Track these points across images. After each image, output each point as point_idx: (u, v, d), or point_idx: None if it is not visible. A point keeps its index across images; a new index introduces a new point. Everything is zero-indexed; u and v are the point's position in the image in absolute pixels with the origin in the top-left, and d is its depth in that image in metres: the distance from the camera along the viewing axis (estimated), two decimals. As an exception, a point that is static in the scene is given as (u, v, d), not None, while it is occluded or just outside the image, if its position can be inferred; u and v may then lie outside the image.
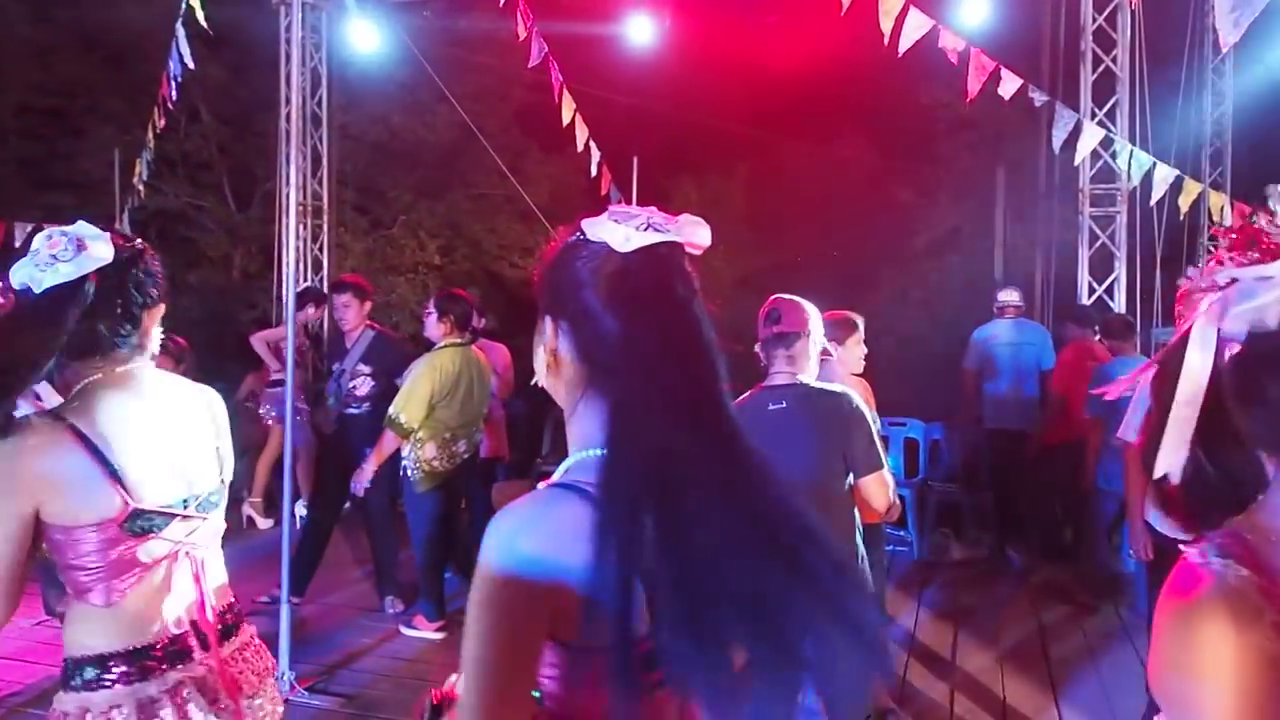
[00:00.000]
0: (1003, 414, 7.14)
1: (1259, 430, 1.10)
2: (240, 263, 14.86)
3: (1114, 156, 7.10)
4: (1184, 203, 7.10)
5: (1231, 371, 1.11)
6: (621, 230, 1.29)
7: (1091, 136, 6.88)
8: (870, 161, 17.19)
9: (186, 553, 1.93)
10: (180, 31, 8.68)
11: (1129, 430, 3.41)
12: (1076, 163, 7.28)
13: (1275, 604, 0.98)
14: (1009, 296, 7.47)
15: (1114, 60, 7.23)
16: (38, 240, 1.82)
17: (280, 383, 7.37)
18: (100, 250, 1.80)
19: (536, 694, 1.19)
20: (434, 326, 5.39)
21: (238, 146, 15.08)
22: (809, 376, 3.25)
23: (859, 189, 17.77)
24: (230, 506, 2.18)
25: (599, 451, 1.21)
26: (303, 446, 6.84)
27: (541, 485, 1.26)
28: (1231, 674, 0.98)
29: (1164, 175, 6.94)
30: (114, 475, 1.79)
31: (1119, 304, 7.26)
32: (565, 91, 8.16)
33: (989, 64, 6.41)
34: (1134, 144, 7.11)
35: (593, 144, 8.44)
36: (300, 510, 6.89)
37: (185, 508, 1.92)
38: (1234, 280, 1.10)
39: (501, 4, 7.55)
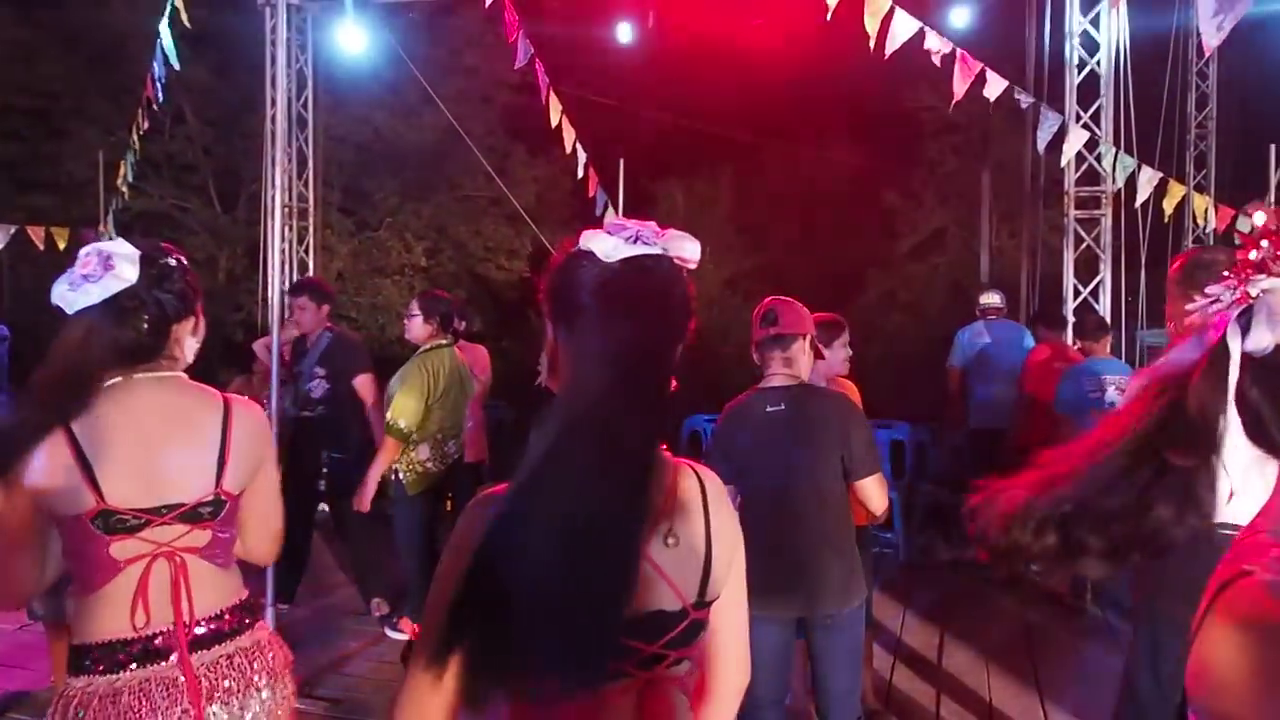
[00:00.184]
0: (986, 415, 7.18)
1: None
2: (225, 265, 14.80)
3: (1098, 159, 7.13)
4: (1168, 205, 7.13)
5: (1266, 381, 1.08)
6: (611, 242, 1.35)
7: (1076, 139, 6.91)
8: (856, 164, 17.24)
9: (169, 557, 1.96)
10: (165, 32, 8.63)
11: None
12: (1061, 165, 7.31)
13: None
14: (990, 299, 7.54)
15: (1098, 63, 7.26)
16: (82, 253, 1.94)
17: (286, 383, 7.35)
18: (126, 272, 1.91)
19: None
20: (420, 328, 5.33)
21: (222, 148, 15.02)
22: (804, 378, 3.26)
23: (845, 191, 17.82)
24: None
25: None
26: None
27: None
28: None
29: (1148, 178, 6.97)
30: (88, 473, 1.87)
31: (1104, 306, 7.29)
32: (552, 93, 8.14)
33: (974, 66, 6.43)
34: (1118, 147, 7.15)
35: (579, 146, 8.42)
36: None
37: (163, 515, 1.95)
38: (1265, 291, 1.07)
39: (487, 4, 7.53)
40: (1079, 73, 7.29)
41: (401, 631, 5.39)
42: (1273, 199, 7.02)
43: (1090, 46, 7.30)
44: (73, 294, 1.90)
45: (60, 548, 1.96)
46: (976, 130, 14.93)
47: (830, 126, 17.75)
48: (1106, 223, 7.36)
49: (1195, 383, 1.05)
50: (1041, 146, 7.06)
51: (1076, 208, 7.41)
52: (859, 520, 4.13)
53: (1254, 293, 1.04)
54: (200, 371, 2.12)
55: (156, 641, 1.95)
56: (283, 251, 8.79)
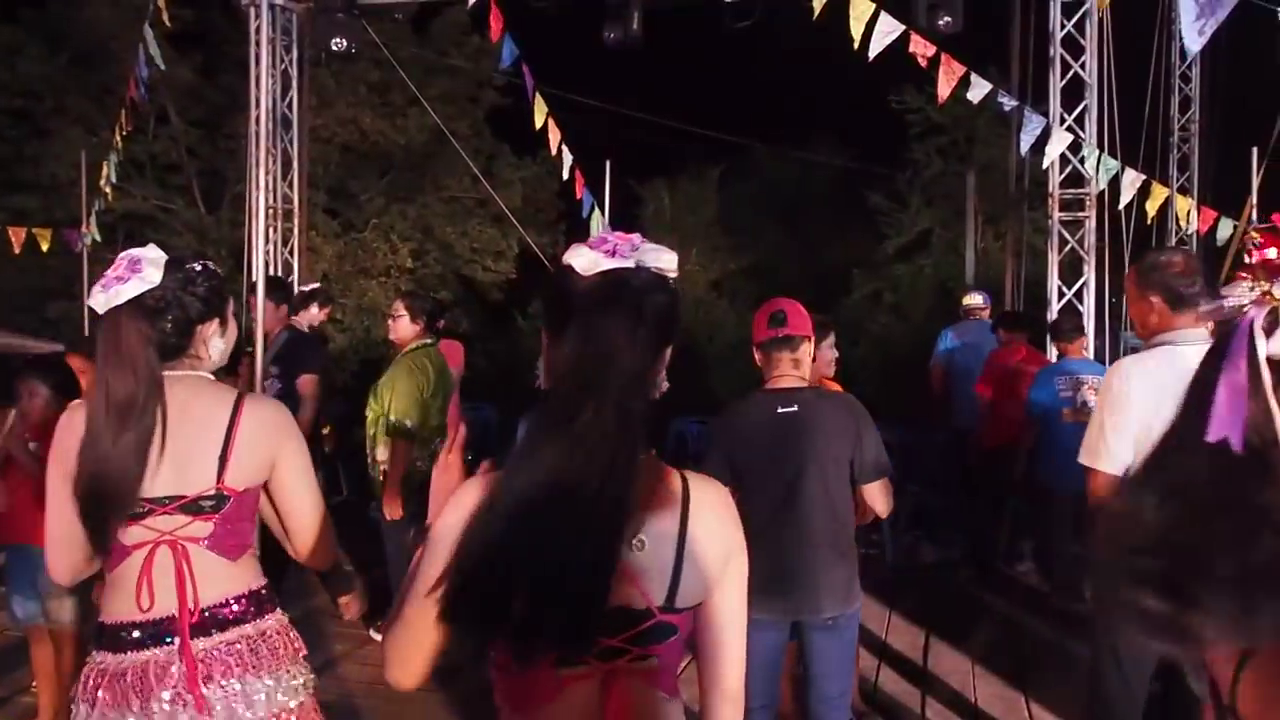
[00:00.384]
0: (968, 416, 7.20)
1: None
2: (210, 266, 14.71)
3: (1082, 161, 7.17)
4: (1151, 207, 7.18)
5: None
6: (590, 257, 1.45)
7: (1059, 141, 6.95)
8: (842, 165, 17.27)
9: (171, 545, 2.07)
10: (148, 33, 8.59)
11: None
12: (1044, 167, 7.35)
13: None
14: (973, 299, 7.59)
15: (1082, 66, 7.29)
16: (117, 259, 2.09)
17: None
18: (152, 274, 2.04)
19: None
20: (406, 328, 5.31)
21: (206, 149, 14.95)
22: (808, 380, 3.27)
23: (831, 193, 17.85)
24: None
25: None
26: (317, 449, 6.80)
27: None
28: None
29: (1131, 180, 7.01)
30: None
31: (1088, 307, 7.33)
32: (538, 94, 8.13)
33: (959, 68, 6.46)
34: (1102, 149, 7.19)
35: (565, 147, 8.41)
36: None
37: (165, 505, 2.06)
38: None
39: (470, 4, 7.52)
40: (1063, 75, 7.32)
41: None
42: (1255, 201, 7.06)
43: (1074, 49, 7.33)
44: (104, 295, 2.03)
45: None
46: (962, 133, 14.99)
47: (816, 128, 17.81)
48: (1090, 224, 7.40)
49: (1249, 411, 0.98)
50: (1025, 148, 7.10)
51: (1060, 210, 7.45)
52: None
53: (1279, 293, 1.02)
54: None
55: (161, 626, 2.06)
56: (267, 253, 8.74)
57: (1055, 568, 6.38)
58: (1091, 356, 6.80)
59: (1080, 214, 7.42)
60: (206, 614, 2.10)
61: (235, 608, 2.14)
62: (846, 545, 3.23)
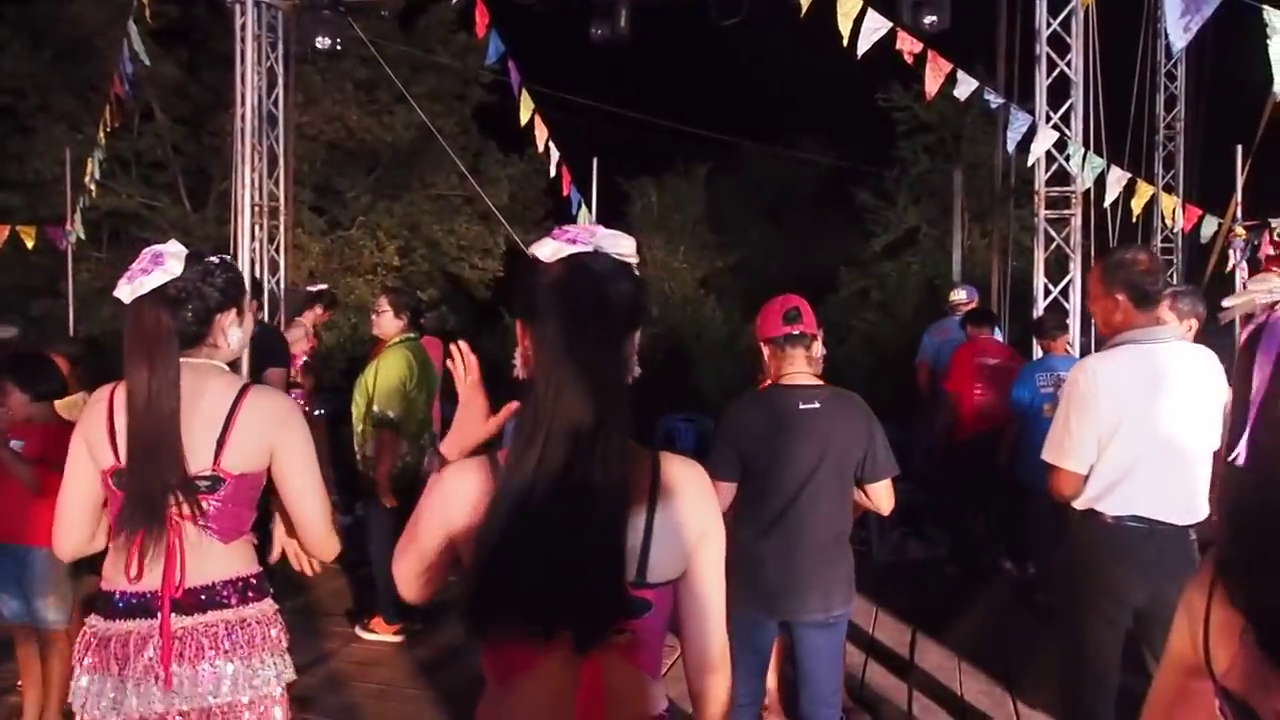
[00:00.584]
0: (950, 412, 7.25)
1: None
2: (195, 264, 14.65)
3: (1068, 159, 7.19)
4: (1136, 205, 7.21)
5: None
6: (551, 246, 1.53)
7: (1045, 139, 6.97)
8: (829, 163, 17.30)
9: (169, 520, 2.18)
10: (133, 29, 8.54)
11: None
12: (1030, 164, 7.37)
13: None
14: (957, 295, 7.63)
15: (1068, 64, 7.32)
16: (141, 254, 2.23)
17: (297, 385, 7.29)
18: (174, 266, 2.18)
19: None
20: (390, 323, 5.34)
21: (192, 146, 14.88)
22: None
23: (818, 190, 17.88)
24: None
25: None
26: (320, 448, 6.78)
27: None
28: None
29: (1117, 178, 7.04)
30: (112, 436, 2.18)
31: (1074, 304, 7.35)
32: (524, 91, 8.11)
33: (945, 66, 6.47)
34: (1088, 147, 7.21)
35: (552, 145, 8.40)
36: None
37: None
38: None
39: (456, 1, 7.50)
40: (1049, 73, 7.35)
41: (373, 631, 5.35)
42: (1239, 199, 7.10)
43: (1060, 47, 7.36)
44: (129, 286, 2.17)
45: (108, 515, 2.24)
46: (949, 130, 15.03)
47: (803, 125, 17.84)
48: (1076, 222, 7.42)
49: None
50: (1011, 146, 7.12)
51: (1046, 207, 7.47)
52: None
53: None
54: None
55: (147, 599, 2.18)
56: (253, 250, 8.70)
57: (1036, 563, 6.43)
58: (1077, 353, 6.84)
59: (1066, 212, 7.44)
60: (190, 593, 2.19)
61: (222, 591, 2.23)
62: (846, 542, 3.26)
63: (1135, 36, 8.90)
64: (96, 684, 2.18)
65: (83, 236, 10.05)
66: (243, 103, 8.66)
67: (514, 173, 16.11)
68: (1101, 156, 7.22)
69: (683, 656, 1.64)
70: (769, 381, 3.26)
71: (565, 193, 8.83)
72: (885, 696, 4.69)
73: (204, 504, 2.19)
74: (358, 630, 5.40)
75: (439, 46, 15.00)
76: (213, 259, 2.30)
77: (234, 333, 2.33)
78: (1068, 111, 7.32)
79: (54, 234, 9.77)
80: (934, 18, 6.81)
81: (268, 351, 5.96)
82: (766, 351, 3.24)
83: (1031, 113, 7.16)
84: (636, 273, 1.57)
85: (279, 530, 2.47)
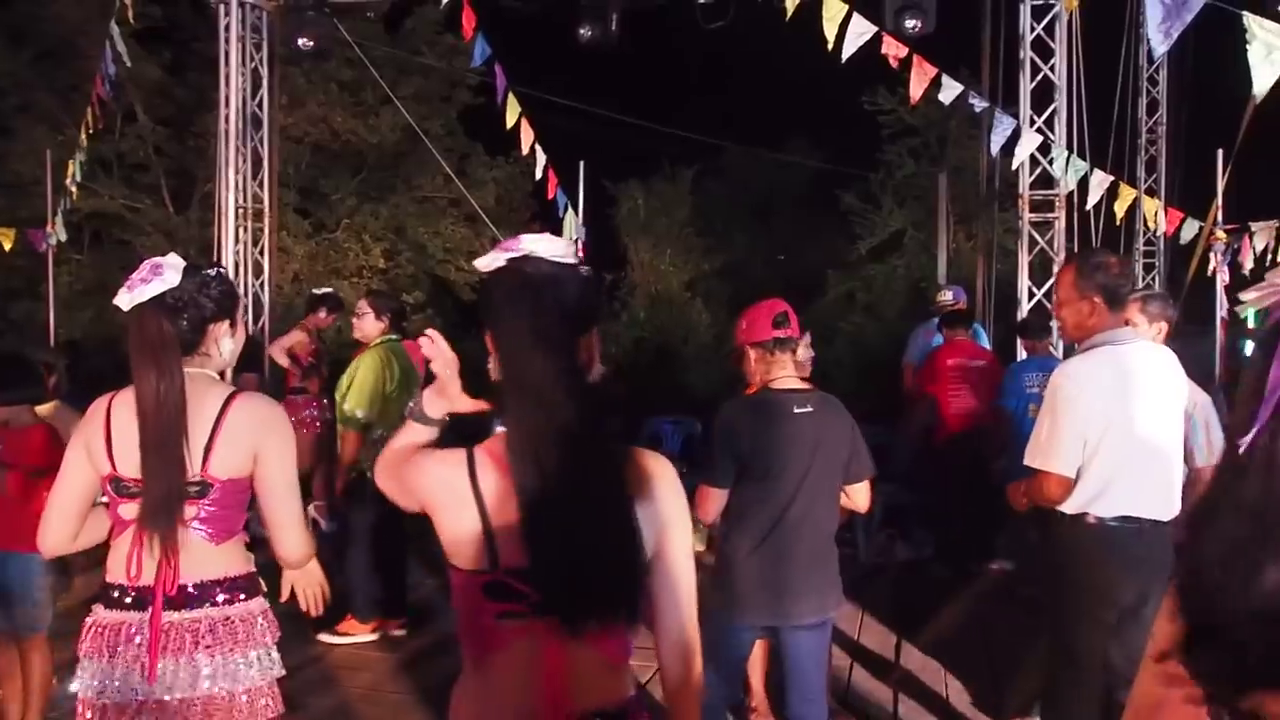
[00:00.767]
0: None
1: None
2: (179, 266, 14.57)
3: (1051, 163, 7.23)
4: (1119, 208, 7.25)
5: None
6: (490, 256, 1.65)
7: (1029, 142, 7.00)
8: (815, 166, 17.34)
9: None
10: (115, 29, 8.49)
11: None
12: (1014, 168, 7.41)
13: None
14: (944, 297, 7.66)
15: (1052, 69, 7.36)
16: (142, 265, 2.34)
17: (302, 390, 7.25)
18: (171, 277, 2.28)
19: None
20: (372, 325, 5.32)
21: (175, 147, 14.80)
22: None
23: (804, 193, 17.92)
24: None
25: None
26: (324, 452, 6.78)
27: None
28: None
29: (1099, 181, 7.08)
30: (109, 444, 2.29)
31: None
32: (510, 94, 8.10)
33: (930, 70, 6.50)
34: (1071, 150, 7.25)
35: (538, 147, 8.39)
36: (311, 514, 6.94)
37: None
38: None
39: (442, 3, 7.49)
40: (1033, 78, 7.38)
41: (346, 634, 5.25)
42: (1220, 203, 7.15)
43: (1044, 51, 7.40)
44: (129, 295, 2.27)
45: (98, 519, 2.38)
46: (934, 134, 15.10)
47: (789, 129, 17.87)
48: (1060, 225, 7.46)
49: None
50: (995, 150, 7.15)
51: (1030, 210, 7.51)
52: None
53: None
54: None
55: (143, 593, 2.29)
56: (237, 253, 8.67)
57: (1021, 560, 6.48)
58: (1060, 355, 6.89)
59: (1050, 215, 7.48)
60: (182, 590, 2.29)
61: (213, 590, 2.33)
62: (834, 543, 3.29)
63: (1118, 41, 8.95)
64: (89, 668, 2.31)
65: (63, 239, 9.98)
66: (227, 104, 8.62)
67: (500, 175, 16.08)
68: (1085, 160, 7.26)
69: (655, 642, 1.70)
70: (756, 385, 3.26)
71: (551, 195, 8.82)
72: (871, 698, 4.70)
73: (195, 508, 2.29)
74: (323, 637, 5.20)
75: (425, 48, 14.97)
76: (209, 271, 2.40)
77: (226, 343, 2.43)
78: (1051, 115, 7.36)
79: (34, 236, 9.70)
80: (919, 22, 6.84)
81: (243, 356, 5.91)
82: (753, 355, 3.23)
83: (1015, 117, 7.20)
84: (583, 272, 1.64)
85: (287, 571, 2.60)
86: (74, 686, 2.36)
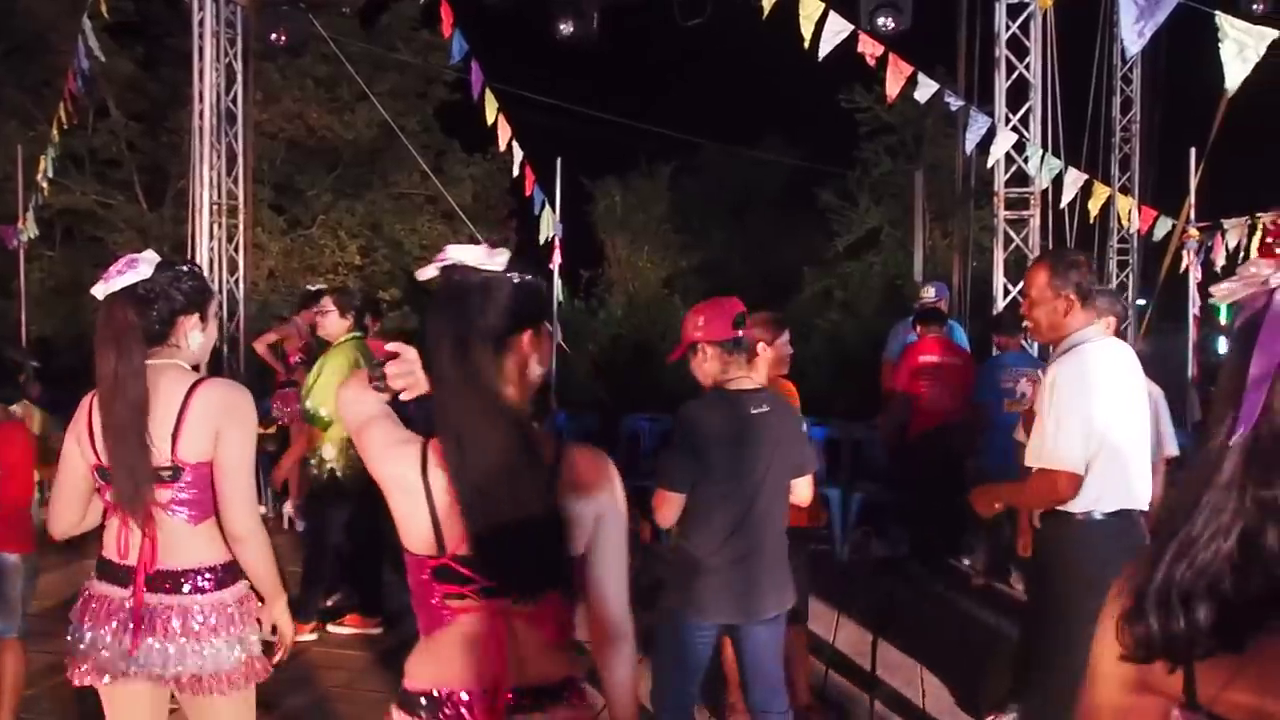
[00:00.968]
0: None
1: None
2: (152, 263, 14.44)
3: (1026, 161, 7.28)
4: (1093, 206, 7.31)
5: None
6: (430, 268, 1.76)
7: (1004, 140, 7.04)
8: (792, 164, 17.37)
9: None
10: (87, 24, 8.41)
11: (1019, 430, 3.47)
12: (989, 166, 7.45)
13: None
14: (926, 293, 7.70)
15: (1027, 67, 7.40)
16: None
17: (292, 384, 7.22)
18: (144, 270, 2.41)
19: None
20: (335, 323, 5.26)
21: (148, 143, 14.67)
22: None
23: (781, 191, 17.95)
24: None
25: None
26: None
27: None
28: None
29: (1074, 179, 7.13)
30: (92, 435, 2.43)
31: (1033, 305, 7.43)
32: (488, 90, 8.07)
33: (906, 68, 6.52)
34: (1046, 149, 7.30)
35: (515, 144, 8.36)
36: (288, 511, 7.11)
37: None
38: None
39: (420, 0, 7.45)
40: (1008, 76, 7.43)
41: (350, 627, 5.34)
42: (1193, 201, 7.22)
43: (1019, 50, 7.44)
44: (104, 285, 2.40)
45: (97, 503, 2.54)
46: (910, 132, 15.15)
47: (765, 126, 17.91)
48: (1035, 223, 7.51)
49: (1274, 394, 0.96)
50: (970, 147, 7.19)
51: (1005, 208, 7.56)
52: (800, 521, 4.16)
53: None
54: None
55: (128, 572, 2.46)
56: (212, 249, 8.60)
57: (992, 552, 6.55)
58: (1035, 351, 6.95)
59: (1025, 212, 7.53)
60: (163, 574, 2.45)
61: (192, 577, 2.47)
62: (785, 538, 3.32)
63: (1092, 41, 9.03)
64: (79, 632, 2.48)
65: (35, 235, 9.87)
66: (201, 100, 8.55)
67: (477, 172, 16.02)
68: (1059, 158, 7.31)
69: (590, 628, 1.80)
70: (709, 385, 3.23)
71: (528, 192, 8.80)
72: (848, 695, 4.72)
73: (169, 491, 2.43)
74: (329, 627, 5.37)
75: (401, 44, 14.89)
76: (182, 266, 2.53)
77: (195, 336, 2.54)
78: (1026, 114, 7.41)
79: (5, 232, 9.59)
80: (894, 20, 6.87)
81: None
82: (711, 353, 3.19)
83: (991, 115, 7.24)
84: (511, 277, 1.72)
85: (265, 611, 2.63)
86: (71, 649, 2.51)
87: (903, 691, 4.75)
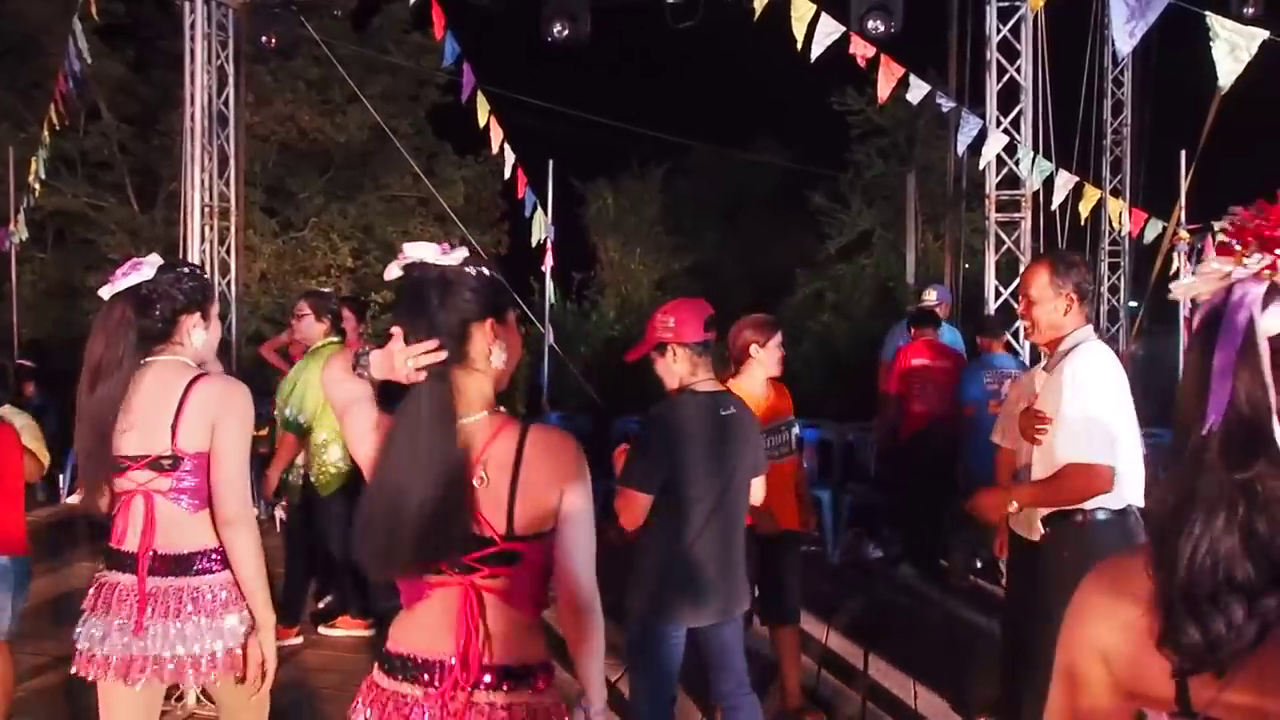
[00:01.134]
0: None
1: None
2: (143, 265, 14.41)
3: (1017, 163, 7.30)
4: (1084, 208, 7.33)
5: None
6: (392, 268, 1.88)
7: (995, 142, 7.06)
8: (784, 166, 17.40)
9: (143, 494, 2.56)
10: (78, 26, 8.39)
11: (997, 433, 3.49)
12: (981, 167, 7.47)
13: None
14: (928, 296, 7.71)
15: (1018, 70, 7.42)
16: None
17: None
18: (146, 272, 2.55)
19: None
20: (312, 327, 5.21)
21: (140, 145, 14.63)
22: None
23: (773, 193, 17.98)
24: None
25: None
26: None
27: None
28: None
29: (1064, 181, 7.15)
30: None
31: (1024, 307, 7.45)
32: (479, 93, 8.07)
33: (898, 70, 6.54)
34: (1037, 151, 7.32)
35: (507, 146, 8.36)
36: (280, 514, 6.94)
37: (137, 461, 2.56)
38: None
39: (411, 1, 7.45)
40: (999, 78, 7.44)
41: (340, 629, 5.34)
42: (1184, 203, 7.24)
43: (1010, 53, 7.46)
44: (109, 287, 2.55)
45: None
46: (902, 134, 15.19)
47: (758, 129, 17.93)
48: (1026, 225, 7.52)
49: (1239, 382, 0.99)
50: (961, 149, 7.20)
51: (997, 210, 7.57)
52: (791, 525, 4.16)
53: None
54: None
55: (131, 558, 2.56)
56: (203, 252, 8.58)
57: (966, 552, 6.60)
58: (1027, 353, 6.98)
59: (1016, 215, 7.55)
60: (165, 558, 2.56)
61: (193, 560, 2.58)
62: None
63: (1083, 43, 9.05)
64: (91, 621, 2.57)
65: (26, 237, 9.85)
66: (192, 102, 8.54)
67: (469, 174, 16.02)
68: (1050, 161, 7.33)
69: (557, 603, 1.88)
70: (678, 386, 3.20)
71: (520, 195, 8.80)
72: (840, 697, 4.72)
73: (170, 479, 2.55)
74: (320, 629, 5.38)
75: (392, 46, 14.88)
76: (184, 268, 2.67)
77: (197, 334, 2.66)
78: (1017, 116, 7.42)
79: (-3, 235, 9.56)
80: (886, 23, 6.88)
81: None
82: (681, 354, 3.16)
83: (982, 117, 7.26)
84: (471, 270, 1.81)
85: (251, 642, 2.64)
86: (78, 641, 2.58)
87: (894, 692, 4.76)
